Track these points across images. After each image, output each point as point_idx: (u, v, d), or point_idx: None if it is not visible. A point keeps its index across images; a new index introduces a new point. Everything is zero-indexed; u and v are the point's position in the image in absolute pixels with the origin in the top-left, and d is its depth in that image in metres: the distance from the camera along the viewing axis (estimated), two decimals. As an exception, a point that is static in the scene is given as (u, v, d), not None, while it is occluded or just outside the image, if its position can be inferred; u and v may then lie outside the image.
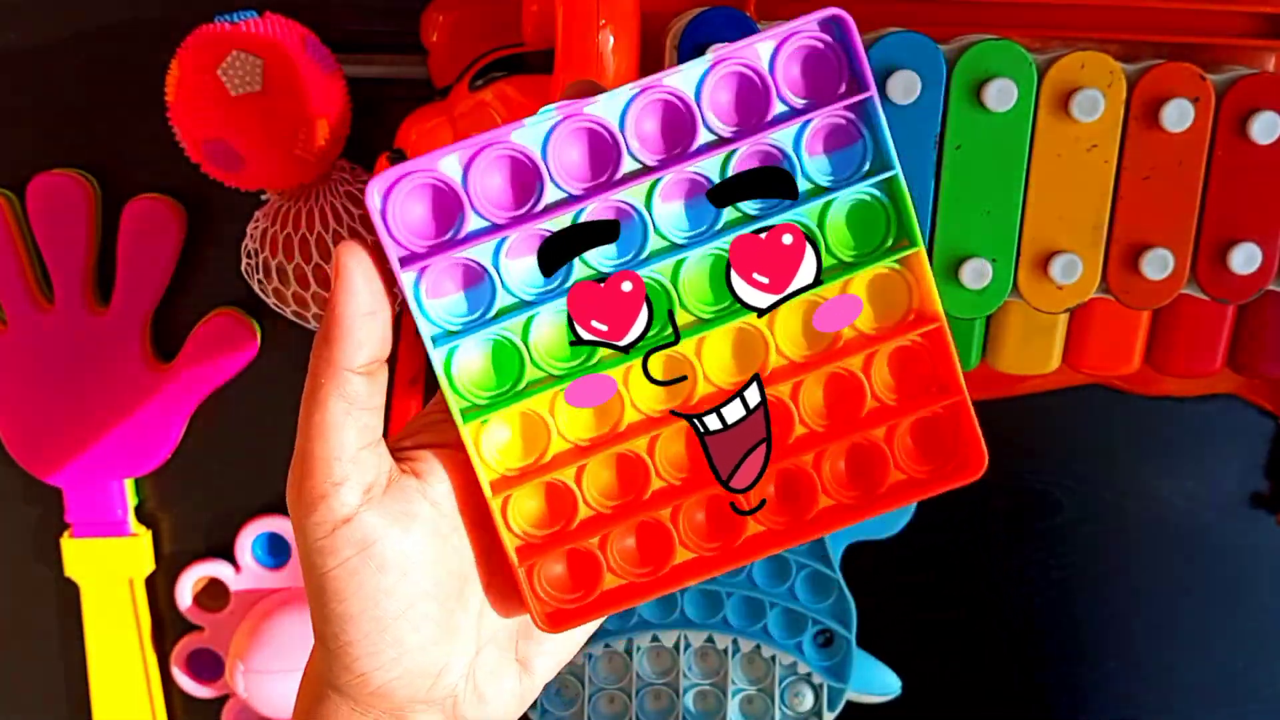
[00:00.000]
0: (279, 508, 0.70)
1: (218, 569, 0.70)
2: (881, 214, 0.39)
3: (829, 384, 0.40)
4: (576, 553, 0.41)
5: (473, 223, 0.37)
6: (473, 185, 0.37)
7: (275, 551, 0.71)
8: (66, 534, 0.69)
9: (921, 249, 0.39)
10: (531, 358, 0.39)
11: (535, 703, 0.70)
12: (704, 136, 0.38)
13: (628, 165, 0.37)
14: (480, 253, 0.38)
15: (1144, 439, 0.68)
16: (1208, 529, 0.70)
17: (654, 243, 0.38)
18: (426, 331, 0.38)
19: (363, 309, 0.36)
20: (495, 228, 0.37)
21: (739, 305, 0.39)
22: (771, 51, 0.37)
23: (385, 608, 0.37)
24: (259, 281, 0.62)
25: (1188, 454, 0.69)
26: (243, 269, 0.64)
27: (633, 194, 0.38)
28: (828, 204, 0.39)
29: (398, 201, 0.37)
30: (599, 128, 0.37)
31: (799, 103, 0.38)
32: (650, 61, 0.54)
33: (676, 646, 0.70)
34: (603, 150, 0.38)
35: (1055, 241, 0.54)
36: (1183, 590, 0.71)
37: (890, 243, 0.39)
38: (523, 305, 0.38)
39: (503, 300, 0.38)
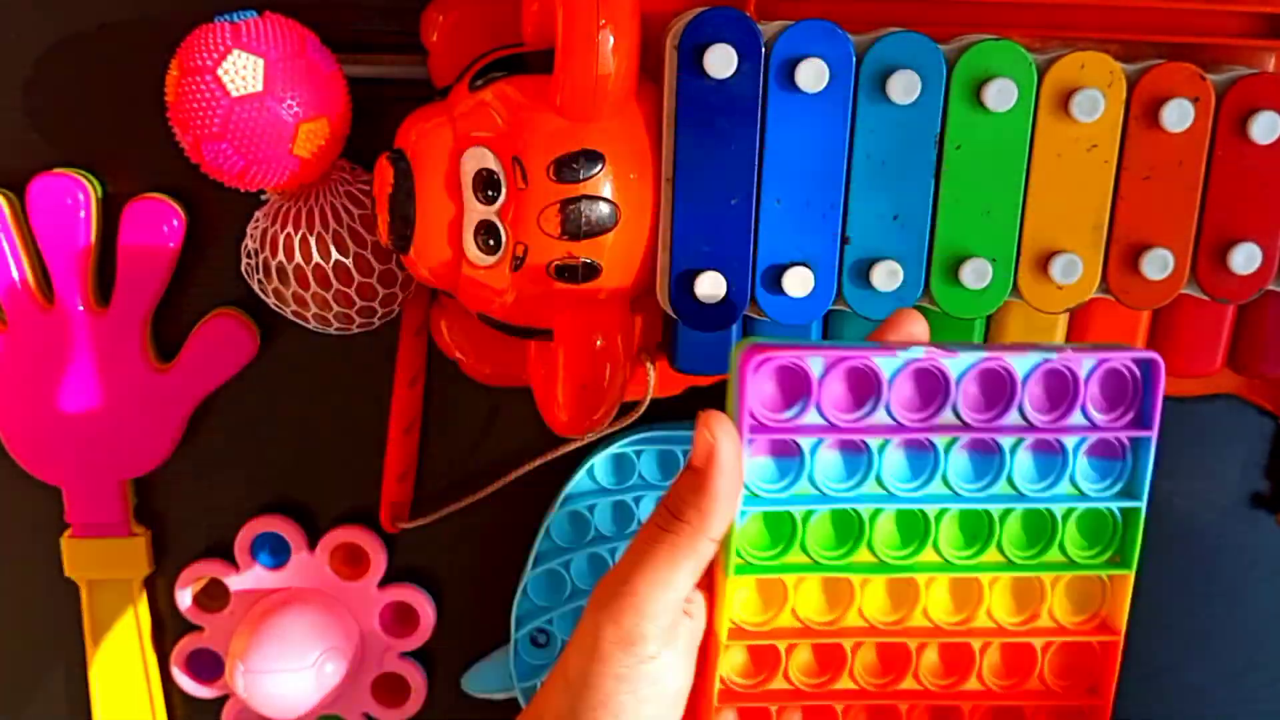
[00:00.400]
0: (279, 508, 0.70)
1: (218, 569, 0.70)
2: (1110, 529, 0.45)
3: (1010, 650, 0.47)
4: (751, 711, 0.47)
5: (811, 415, 0.43)
6: (825, 384, 0.43)
7: (275, 551, 0.71)
8: (66, 534, 0.69)
9: (1132, 574, 0.45)
10: (803, 540, 0.45)
11: (535, 703, 0.70)
12: (1013, 416, 0.44)
13: (946, 415, 0.44)
14: (806, 440, 0.43)
15: (1144, 439, 0.68)
16: (1208, 529, 0.70)
17: (937, 484, 0.44)
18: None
19: (732, 485, 0.42)
20: (827, 425, 0.44)
21: (979, 561, 0.45)
22: (1091, 366, 0.43)
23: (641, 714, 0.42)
24: (259, 281, 0.62)
25: (1188, 454, 0.69)
26: (243, 269, 0.64)
27: (940, 438, 0.44)
28: (1074, 508, 0.45)
29: (761, 375, 0.43)
30: (940, 375, 0.43)
31: (1094, 414, 0.44)
32: (650, 61, 0.54)
33: (676, 646, 0.70)
34: (933, 393, 0.44)
35: (1055, 241, 0.54)
36: (1183, 590, 0.70)
37: (1108, 557, 0.46)
38: (819, 496, 0.44)
39: (803, 485, 0.44)
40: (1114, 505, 0.45)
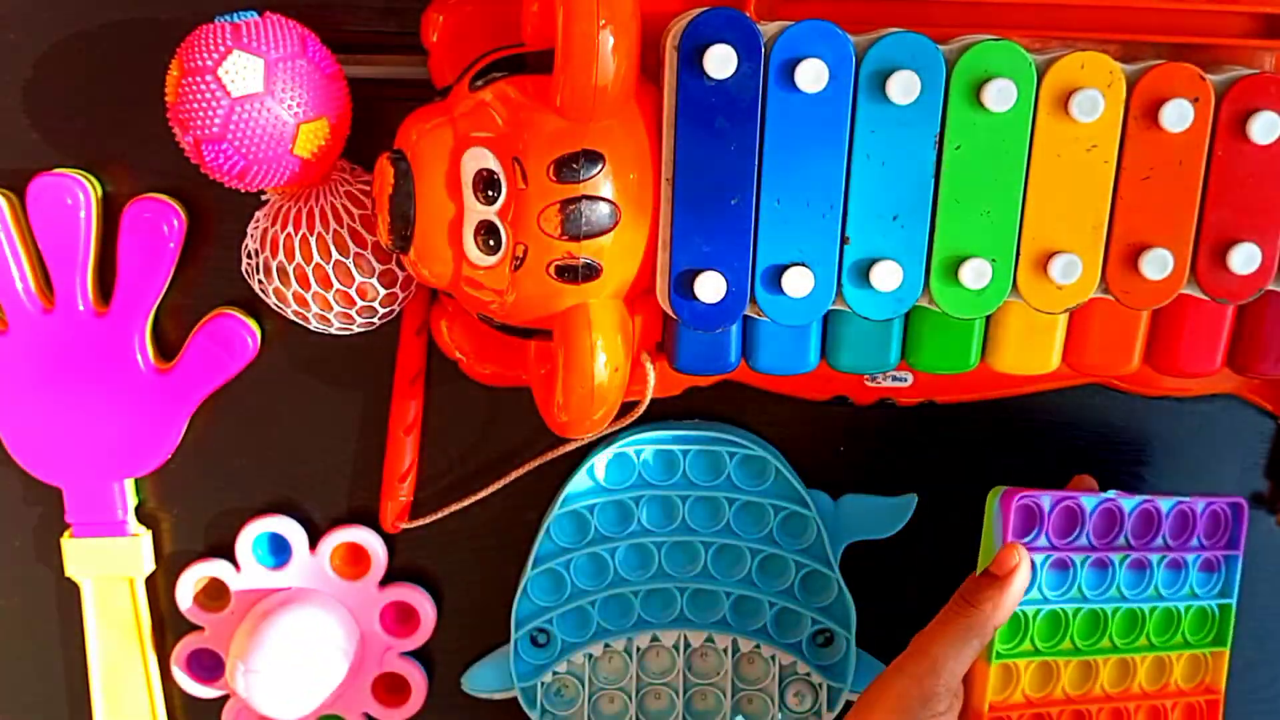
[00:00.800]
0: (280, 507, 0.70)
1: (218, 569, 0.70)
2: (1212, 621, 0.65)
3: (1151, 710, 0.65)
4: None
5: (1042, 540, 0.62)
6: (1051, 518, 0.62)
7: (276, 551, 0.71)
8: (67, 534, 0.69)
9: (1228, 651, 0.65)
10: (1031, 634, 0.63)
11: (536, 703, 0.70)
12: (1159, 541, 0.64)
13: (1120, 540, 0.63)
14: (1039, 558, 0.62)
15: (1144, 439, 0.68)
16: (1208, 529, 0.70)
17: (1114, 590, 0.64)
18: None
19: (1021, 592, 0.59)
20: (1050, 546, 0.62)
21: (1135, 645, 0.64)
22: (1203, 507, 0.64)
23: None
24: (259, 281, 0.62)
25: (1188, 454, 0.69)
26: (243, 269, 0.64)
27: (1117, 555, 0.63)
28: (1190, 606, 0.65)
29: (1013, 508, 0.61)
30: (1118, 512, 0.63)
31: (1203, 540, 0.65)
32: (650, 61, 0.54)
33: (676, 646, 0.70)
34: (1111, 525, 0.64)
35: (1055, 241, 0.54)
36: (1183, 590, 0.71)
37: (1210, 639, 0.66)
38: (1043, 599, 0.63)
39: (1034, 593, 0.62)
40: (1214, 603, 0.65)
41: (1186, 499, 0.64)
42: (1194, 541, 0.64)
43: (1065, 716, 0.65)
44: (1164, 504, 0.64)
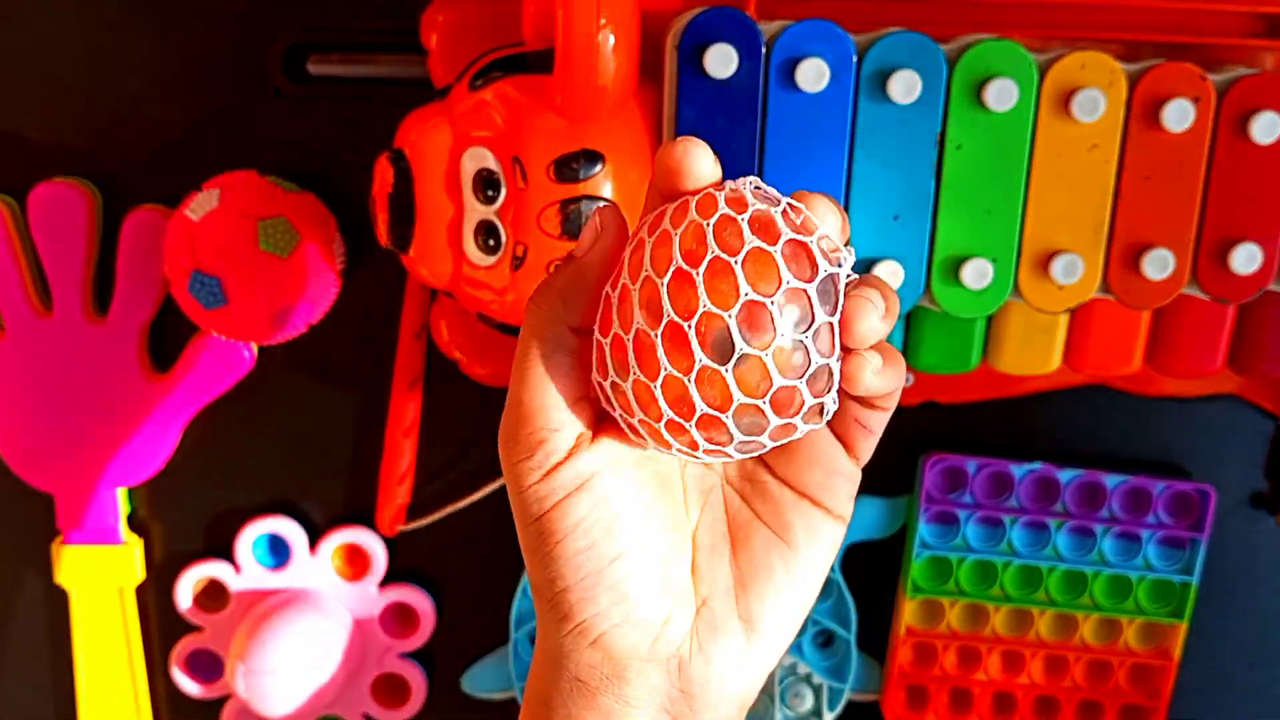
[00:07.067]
0: (279, 508, 0.70)
1: (218, 569, 0.70)
2: (1173, 593, 0.67)
3: (1095, 664, 0.69)
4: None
5: (966, 497, 0.66)
6: (977, 479, 0.66)
7: (276, 552, 0.71)
8: (57, 541, 0.69)
9: (1185, 624, 0.67)
10: (957, 577, 0.67)
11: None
12: (1104, 512, 0.66)
13: (1057, 506, 0.66)
14: (961, 512, 0.66)
15: (1144, 439, 0.68)
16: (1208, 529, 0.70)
17: (1049, 550, 0.66)
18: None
19: (596, 280, 0.37)
20: (975, 504, 0.66)
21: (1076, 602, 0.67)
22: (1161, 489, 0.66)
23: (602, 548, 0.37)
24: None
25: (1188, 454, 0.68)
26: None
27: (1052, 520, 0.66)
28: (1144, 576, 0.67)
29: (935, 470, 0.66)
30: (1055, 480, 0.66)
31: (1164, 518, 0.66)
32: (650, 61, 0.54)
33: (676, 647, 0.70)
34: (1049, 492, 0.66)
35: (1056, 241, 0.54)
36: (1183, 590, 0.71)
37: (1169, 610, 0.67)
38: (967, 549, 0.67)
39: (959, 541, 0.67)
40: (1176, 578, 0.67)
41: (1136, 478, 0.66)
42: (1151, 518, 0.66)
43: (996, 654, 0.69)
44: (1109, 480, 0.66)
